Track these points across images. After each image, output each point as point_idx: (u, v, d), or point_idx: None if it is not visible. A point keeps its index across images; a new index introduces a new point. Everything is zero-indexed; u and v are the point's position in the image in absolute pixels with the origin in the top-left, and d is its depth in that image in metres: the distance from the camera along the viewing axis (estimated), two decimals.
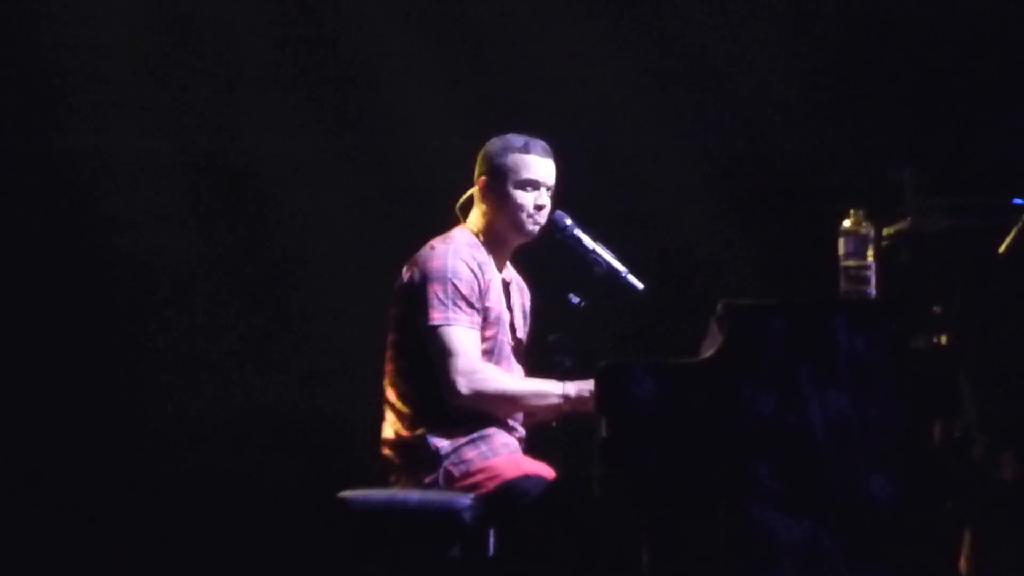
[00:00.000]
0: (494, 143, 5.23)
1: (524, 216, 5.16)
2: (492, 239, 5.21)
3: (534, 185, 5.16)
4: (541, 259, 5.34)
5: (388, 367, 5.16)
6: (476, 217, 5.24)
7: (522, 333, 5.31)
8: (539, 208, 5.16)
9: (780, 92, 6.75)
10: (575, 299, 5.10)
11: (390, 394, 5.13)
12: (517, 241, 5.23)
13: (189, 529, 6.66)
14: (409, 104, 6.83)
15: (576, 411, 5.08)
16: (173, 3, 6.92)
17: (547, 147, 5.22)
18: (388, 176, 6.87)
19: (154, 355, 6.87)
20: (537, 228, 5.18)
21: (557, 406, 5.07)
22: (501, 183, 5.16)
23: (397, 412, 5.10)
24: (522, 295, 5.34)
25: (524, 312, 5.33)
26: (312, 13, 6.93)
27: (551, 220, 5.20)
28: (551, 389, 5.04)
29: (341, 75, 6.92)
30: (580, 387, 5.01)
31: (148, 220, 6.88)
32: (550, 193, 5.20)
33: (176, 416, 6.81)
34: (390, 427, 5.12)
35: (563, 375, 5.05)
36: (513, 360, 5.21)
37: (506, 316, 5.20)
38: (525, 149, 5.18)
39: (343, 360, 6.59)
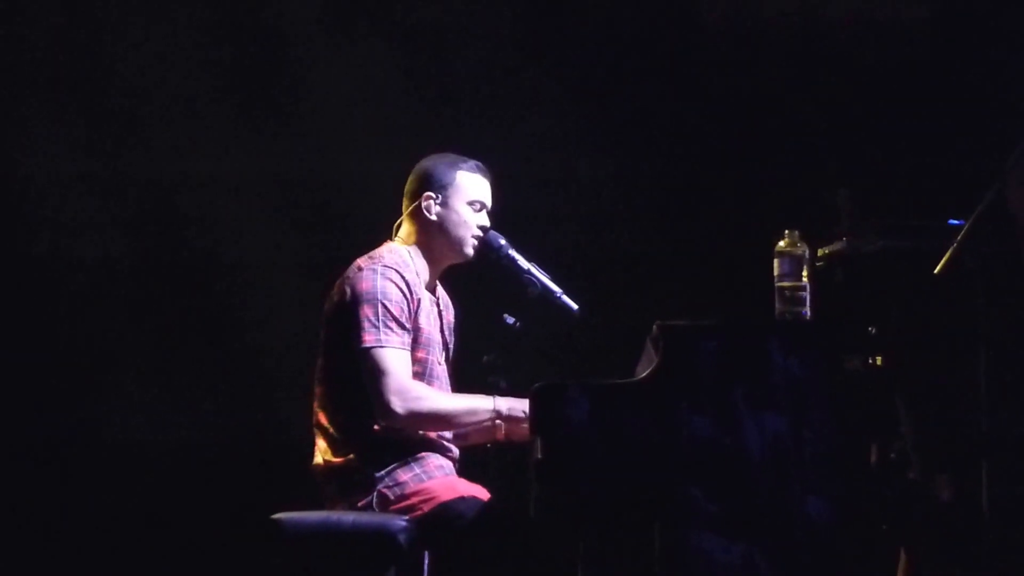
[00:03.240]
0: (437, 160, 5.22)
1: (469, 235, 5.15)
2: (427, 257, 5.19)
3: (482, 205, 5.17)
4: (475, 279, 5.32)
5: (318, 390, 5.12)
6: (408, 234, 5.21)
7: (451, 352, 5.29)
8: (482, 229, 5.15)
9: (711, 112, 6.77)
10: (510, 319, 5.08)
11: (321, 418, 5.09)
12: (452, 260, 5.21)
13: (121, 553, 6.59)
14: (340, 122, 6.81)
15: (509, 436, 5.10)
16: (96, 19, 6.85)
17: (485, 169, 5.22)
18: (316, 197, 6.84)
19: (86, 377, 6.81)
20: (474, 250, 5.17)
21: (489, 424, 5.06)
22: (450, 200, 5.15)
23: (328, 436, 5.06)
24: (448, 312, 5.32)
25: (450, 329, 5.31)
26: (243, 30, 6.89)
27: (485, 240, 5.19)
28: (483, 405, 5.02)
29: (271, 93, 6.89)
30: (511, 404, 5.01)
31: (75, 246, 6.83)
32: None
33: (107, 438, 6.74)
34: (320, 454, 5.07)
35: (498, 396, 5.03)
36: (444, 381, 5.19)
37: (437, 337, 5.17)
38: (473, 169, 5.20)
39: (276, 381, 6.55)
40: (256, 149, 6.84)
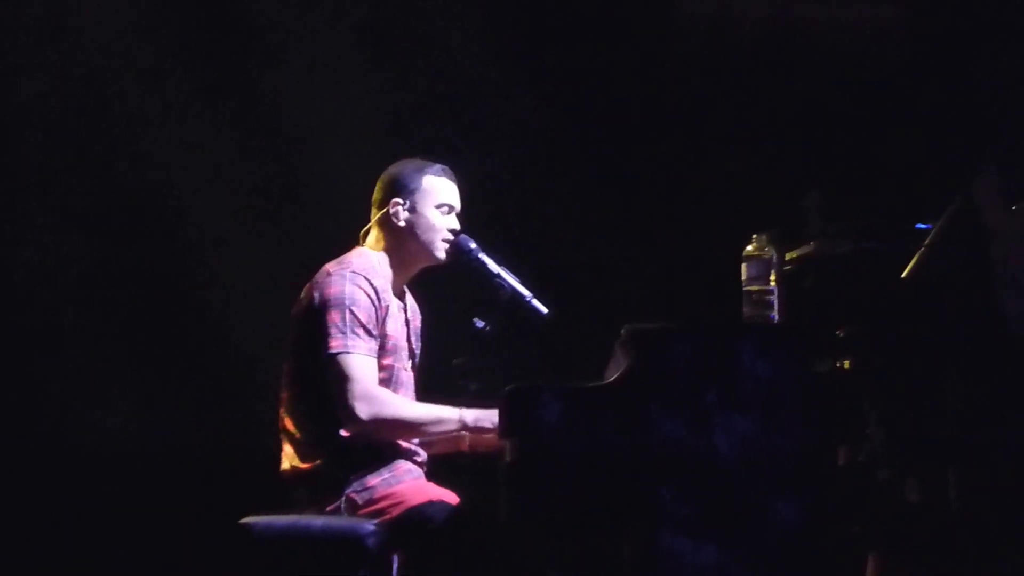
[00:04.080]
0: (404, 166, 5.22)
1: (440, 239, 5.15)
2: (396, 262, 5.18)
3: (450, 208, 5.17)
4: (445, 283, 5.32)
5: (285, 395, 5.10)
6: (377, 240, 5.20)
7: (417, 359, 5.29)
8: (452, 232, 5.15)
9: (680, 114, 6.79)
10: (480, 323, 5.07)
11: (287, 423, 5.07)
12: (424, 264, 5.21)
13: (89, 557, 6.56)
14: (312, 127, 6.79)
15: (474, 448, 5.13)
16: (72, 13, 6.83)
17: (451, 172, 5.23)
18: (285, 201, 6.82)
19: (54, 380, 6.77)
20: (446, 253, 5.17)
21: (455, 433, 5.07)
22: (418, 205, 5.15)
23: (294, 442, 5.04)
24: (415, 319, 5.31)
25: (417, 336, 5.31)
26: (216, 28, 6.87)
27: (456, 244, 5.19)
28: (449, 415, 5.02)
29: (245, 98, 6.87)
30: (478, 415, 5.00)
31: (40, 240, 6.79)
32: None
33: (74, 443, 6.70)
34: (287, 459, 5.06)
35: (469, 399, 5.03)
36: (410, 388, 5.18)
37: (404, 344, 5.17)
38: (439, 172, 5.20)
39: (245, 385, 6.52)
40: (226, 152, 6.81)
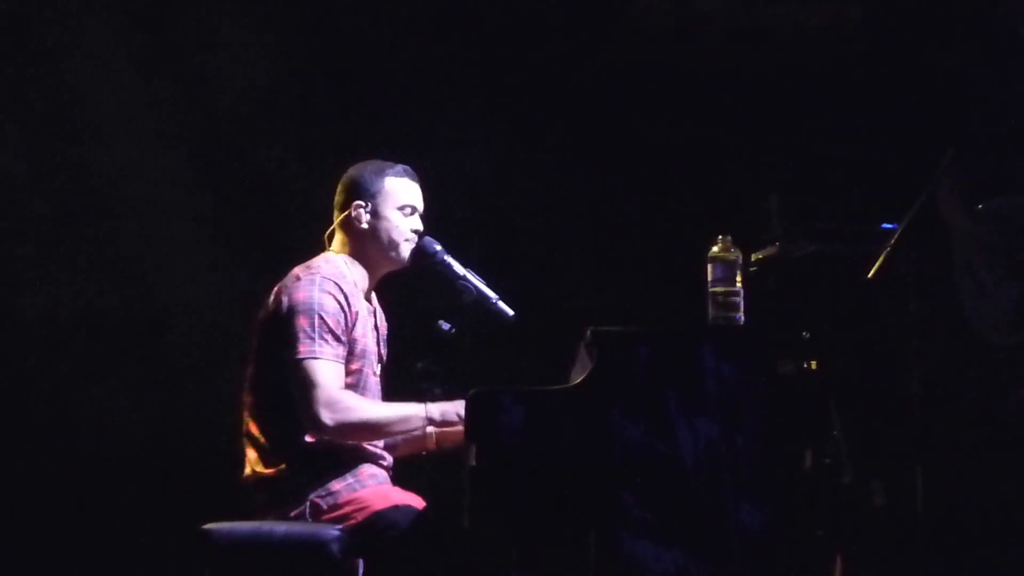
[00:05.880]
0: (363, 168, 5.19)
1: (402, 240, 5.13)
2: (362, 265, 5.15)
3: (413, 209, 5.14)
4: (411, 285, 5.30)
5: (249, 399, 5.06)
6: (342, 244, 5.17)
7: (383, 362, 5.26)
8: (415, 233, 5.13)
9: (643, 116, 6.78)
10: (445, 325, 5.05)
11: (251, 428, 5.04)
12: (388, 268, 5.18)
13: (47, 565, 6.52)
14: (270, 128, 6.78)
15: (440, 445, 5.09)
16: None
17: (413, 172, 5.20)
18: (247, 204, 6.80)
19: (13, 380, 6.75)
20: (409, 255, 5.14)
21: (422, 430, 5.04)
22: (379, 207, 5.12)
23: (258, 447, 5.01)
24: (382, 322, 5.29)
25: (384, 339, 5.28)
26: (168, 35, 6.86)
27: (421, 246, 5.16)
28: (414, 412, 4.98)
29: (202, 97, 6.85)
30: (443, 409, 4.97)
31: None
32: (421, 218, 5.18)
33: (35, 445, 6.67)
34: (250, 465, 5.02)
35: (431, 402, 5.00)
36: (377, 392, 5.15)
37: (372, 347, 5.14)
38: (400, 173, 5.17)
39: (208, 389, 6.49)
40: (187, 157, 6.80)
